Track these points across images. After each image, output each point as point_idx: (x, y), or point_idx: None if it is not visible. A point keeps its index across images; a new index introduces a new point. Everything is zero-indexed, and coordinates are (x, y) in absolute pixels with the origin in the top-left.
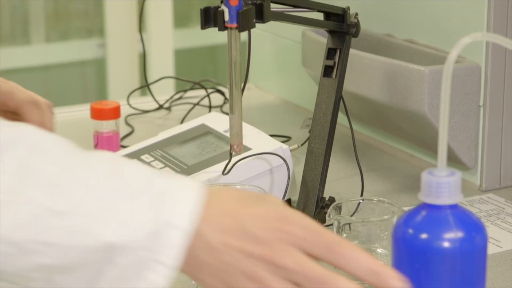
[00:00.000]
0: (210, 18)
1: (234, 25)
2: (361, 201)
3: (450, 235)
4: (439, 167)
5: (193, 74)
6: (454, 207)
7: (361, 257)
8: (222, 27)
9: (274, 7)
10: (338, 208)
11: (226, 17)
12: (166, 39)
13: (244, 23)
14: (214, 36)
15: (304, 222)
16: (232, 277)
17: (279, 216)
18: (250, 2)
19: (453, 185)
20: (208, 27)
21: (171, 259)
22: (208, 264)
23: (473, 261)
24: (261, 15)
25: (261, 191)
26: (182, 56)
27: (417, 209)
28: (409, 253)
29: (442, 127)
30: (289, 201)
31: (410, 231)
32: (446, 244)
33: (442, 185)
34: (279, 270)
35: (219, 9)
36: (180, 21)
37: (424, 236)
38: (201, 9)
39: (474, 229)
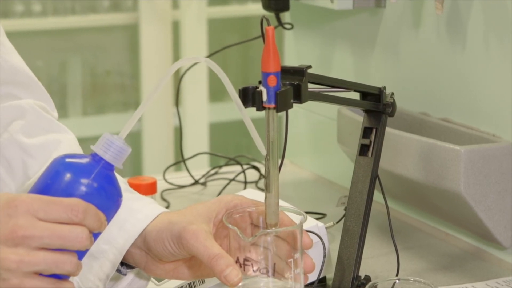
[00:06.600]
0: (248, 98)
1: (272, 105)
2: (397, 280)
3: None
4: None
5: (228, 147)
6: None
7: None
8: (260, 107)
9: (311, 87)
10: None
11: (264, 98)
12: (202, 113)
13: (282, 103)
14: (249, 110)
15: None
16: None
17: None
18: (288, 82)
19: None
20: (246, 107)
21: None
22: None
23: None
24: (299, 95)
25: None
26: (217, 130)
27: None
28: None
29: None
30: (324, 279)
31: None
32: None
33: None
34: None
35: (257, 89)
36: (215, 95)
37: None
38: (239, 89)
39: None
